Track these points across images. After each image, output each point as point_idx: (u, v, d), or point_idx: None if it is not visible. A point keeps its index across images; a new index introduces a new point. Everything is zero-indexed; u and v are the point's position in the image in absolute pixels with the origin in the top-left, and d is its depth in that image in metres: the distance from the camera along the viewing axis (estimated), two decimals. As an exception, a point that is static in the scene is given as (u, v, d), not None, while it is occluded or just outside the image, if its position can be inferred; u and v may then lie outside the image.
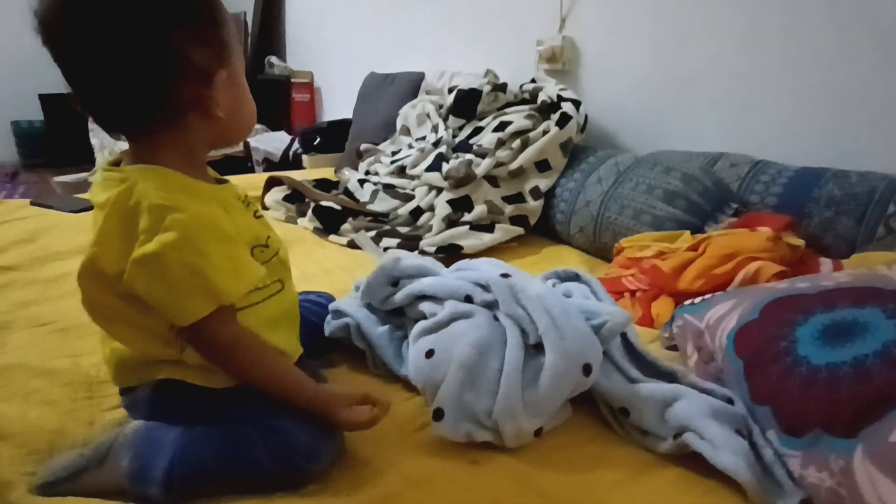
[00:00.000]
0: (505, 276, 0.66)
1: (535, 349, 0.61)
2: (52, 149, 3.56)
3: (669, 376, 0.65)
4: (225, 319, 0.54)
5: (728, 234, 0.99)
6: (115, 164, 0.57)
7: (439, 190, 1.34)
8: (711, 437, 0.56)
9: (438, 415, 0.57)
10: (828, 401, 0.54)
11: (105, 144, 2.83)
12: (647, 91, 1.41)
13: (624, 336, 0.68)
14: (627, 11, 1.42)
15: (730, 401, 0.61)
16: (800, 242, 0.94)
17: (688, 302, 0.84)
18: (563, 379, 0.57)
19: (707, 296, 0.82)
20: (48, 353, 0.77)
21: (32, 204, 1.49)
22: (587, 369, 0.58)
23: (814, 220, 0.98)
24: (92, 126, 3.02)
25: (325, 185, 1.61)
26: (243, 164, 2.55)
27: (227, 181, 0.62)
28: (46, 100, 3.51)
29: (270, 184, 1.54)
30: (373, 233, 1.26)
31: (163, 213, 0.49)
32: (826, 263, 0.91)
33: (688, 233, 1.05)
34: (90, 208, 1.45)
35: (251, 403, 0.56)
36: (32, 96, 3.51)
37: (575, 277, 0.78)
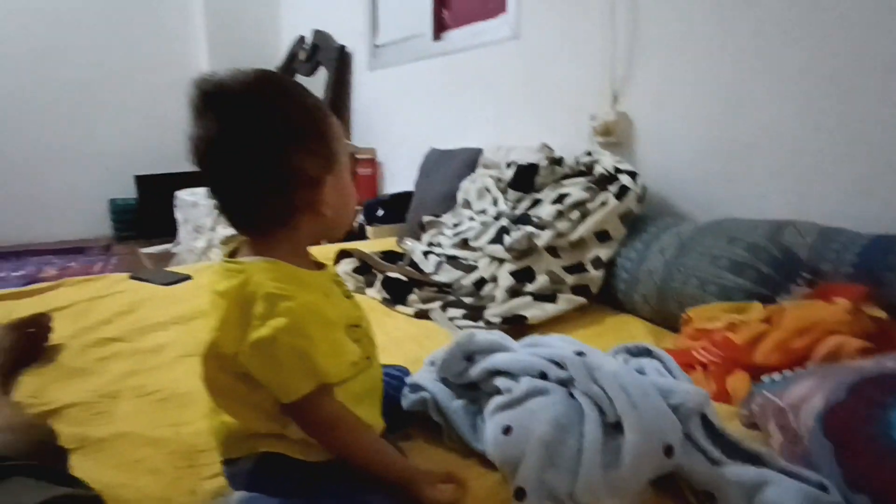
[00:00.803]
0: (579, 353, 0.68)
1: (613, 428, 0.62)
2: (142, 223, 3.93)
3: (755, 458, 0.64)
4: (325, 396, 0.59)
5: (803, 305, 0.97)
6: (232, 253, 0.65)
7: (501, 261, 1.38)
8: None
9: (520, 494, 0.58)
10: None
11: (189, 219, 3.09)
12: (705, 160, 1.44)
13: (703, 414, 0.67)
14: (679, 84, 1.48)
15: (822, 487, 0.59)
16: (881, 314, 0.91)
17: (766, 378, 0.83)
18: (645, 459, 0.57)
19: (787, 372, 0.80)
20: (152, 423, 0.84)
21: (131, 278, 1.65)
22: (668, 450, 0.58)
23: (894, 289, 0.95)
24: (177, 203, 3.33)
25: (390, 256, 1.69)
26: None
27: (324, 265, 0.69)
28: (140, 180, 3.91)
29: (341, 256, 1.64)
30: (438, 303, 1.31)
31: (275, 301, 0.56)
32: (914, 336, 0.87)
33: (759, 304, 1.03)
34: (181, 281, 1.60)
35: (345, 480, 0.60)
36: (129, 177, 3.92)
37: (646, 352, 0.78)
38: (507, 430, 0.66)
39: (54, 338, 1.14)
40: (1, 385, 0.88)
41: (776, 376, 0.82)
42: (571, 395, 0.66)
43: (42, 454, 0.56)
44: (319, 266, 0.69)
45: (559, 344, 0.73)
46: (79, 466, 0.68)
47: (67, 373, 1.01)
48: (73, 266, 3.33)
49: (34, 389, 0.94)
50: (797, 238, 1.12)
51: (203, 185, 0.62)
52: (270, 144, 0.57)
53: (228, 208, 0.61)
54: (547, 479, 0.59)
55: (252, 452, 0.62)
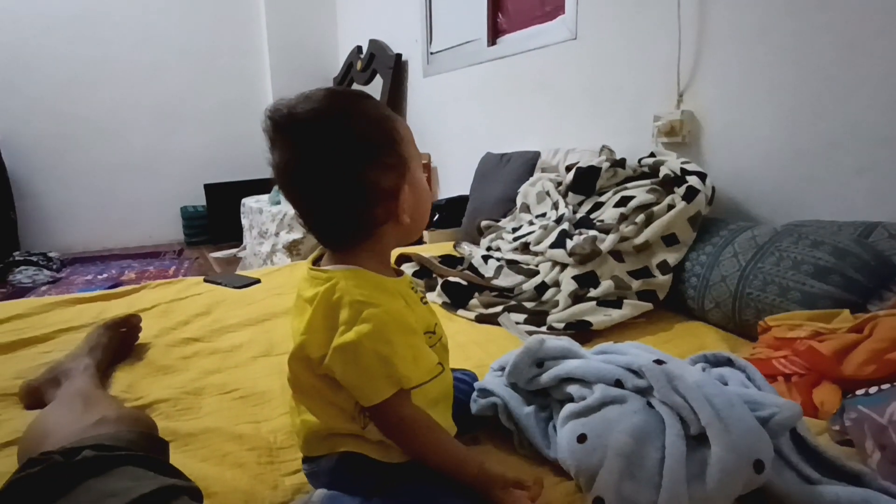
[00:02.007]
0: (658, 361, 0.66)
1: (696, 440, 0.59)
2: (210, 229, 4.16)
3: (854, 478, 0.60)
4: (403, 400, 0.60)
5: (899, 313, 0.90)
6: (316, 260, 0.68)
7: (564, 266, 1.37)
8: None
9: None
10: None
11: (254, 225, 3.24)
12: (780, 160, 1.36)
13: (793, 430, 0.64)
14: (749, 83, 1.41)
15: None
16: None
17: (860, 391, 0.77)
18: (733, 475, 0.55)
19: (885, 386, 0.74)
20: (234, 419, 0.88)
21: (205, 281, 1.74)
22: (759, 466, 0.55)
23: None
24: (243, 209, 3.49)
25: (448, 260, 1.70)
26: (368, 239, 2.78)
27: (403, 272, 0.71)
28: (209, 188, 4.14)
29: (400, 260, 1.67)
30: (499, 307, 1.31)
31: (361, 307, 0.58)
32: None
33: (847, 312, 0.96)
34: (251, 284, 1.68)
35: (423, 481, 0.61)
36: (199, 185, 4.17)
37: (727, 362, 0.75)
38: (581, 439, 0.65)
39: (141, 336, 1.22)
40: (99, 379, 0.95)
41: (872, 390, 0.76)
42: (650, 404, 0.64)
43: (148, 445, 0.60)
44: (399, 273, 0.70)
45: (635, 352, 0.71)
46: (173, 459, 0.72)
47: (155, 370, 1.08)
48: (150, 269, 3.56)
49: (126, 385, 1.01)
50: (889, 240, 1.04)
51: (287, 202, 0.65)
52: (344, 166, 0.59)
53: (314, 227, 0.64)
54: (626, 491, 0.58)
55: (332, 451, 0.64)
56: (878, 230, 1.08)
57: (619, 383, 0.68)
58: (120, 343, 1.13)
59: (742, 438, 0.56)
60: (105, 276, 3.45)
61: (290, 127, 0.60)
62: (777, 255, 1.11)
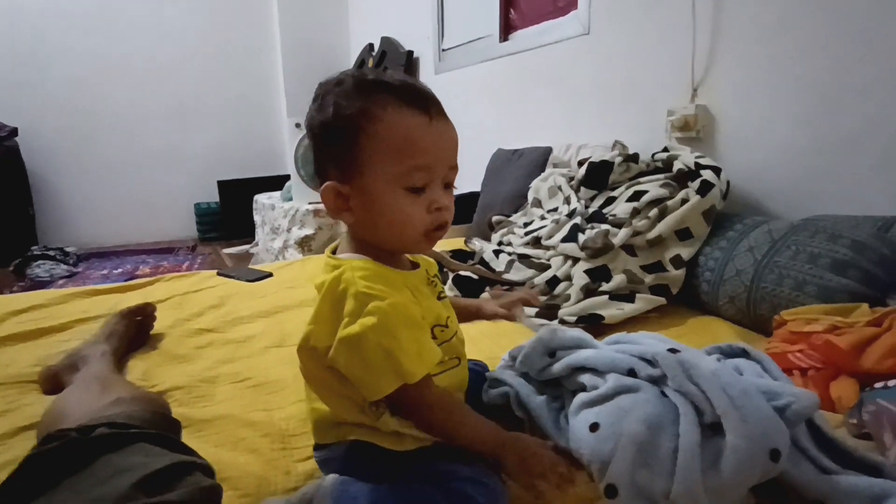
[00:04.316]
0: (673, 350, 0.65)
1: (710, 429, 0.59)
2: (224, 225, 4.20)
3: (872, 469, 0.59)
4: (426, 387, 0.61)
5: (919, 307, 0.88)
6: (335, 250, 0.68)
7: (576, 260, 1.36)
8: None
9: (611, 492, 0.57)
10: None
11: (266, 221, 3.26)
12: (796, 155, 1.34)
13: (810, 421, 0.63)
14: (767, 76, 1.39)
15: (955, 503, 0.54)
16: None
17: (878, 384, 0.76)
18: (749, 464, 0.54)
19: (904, 378, 0.73)
20: (248, 406, 0.89)
21: (218, 274, 1.76)
22: (775, 455, 0.54)
23: None
24: (255, 206, 3.52)
25: (460, 255, 1.70)
26: (379, 235, 2.79)
27: (419, 265, 0.71)
28: (222, 185, 4.18)
29: (412, 255, 1.68)
30: (510, 302, 1.31)
31: (366, 300, 0.57)
32: None
33: (865, 305, 0.95)
34: (264, 278, 1.69)
35: (432, 467, 0.61)
36: (212, 182, 4.21)
37: (742, 353, 0.74)
38: (593, 427, 0.64)
39: (156, 327, 1.24)
40: (116, 365, 0.96)
41: (891, 383, 0.75)
42: (664, 393, 0.64)
43: (162, 424, 0.61)
44: (415, 265, 0.70)
45: (648, 341, 0.70)
46: (187, 444, 0.73)
47: (170, 358, 1.10)
48: (164, 264, 3.61)
49: (142, 372, 1.03)
50: (909, 235, 1.03)
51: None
52: (311, 140, 0.64)
53: None
54: (639, 479, 0.57)
55: (343, 440, 0.65)
56: (898, 224, 1.06)
57: (632, 372, 0.67)
58: (136, 331, 1.15)
59: (758, 427, 0.55)
60: (120, 270, 3.50)
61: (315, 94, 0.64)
62: (793, 248, 1.10)
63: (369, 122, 0.59)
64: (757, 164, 1.44)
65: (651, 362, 0.66)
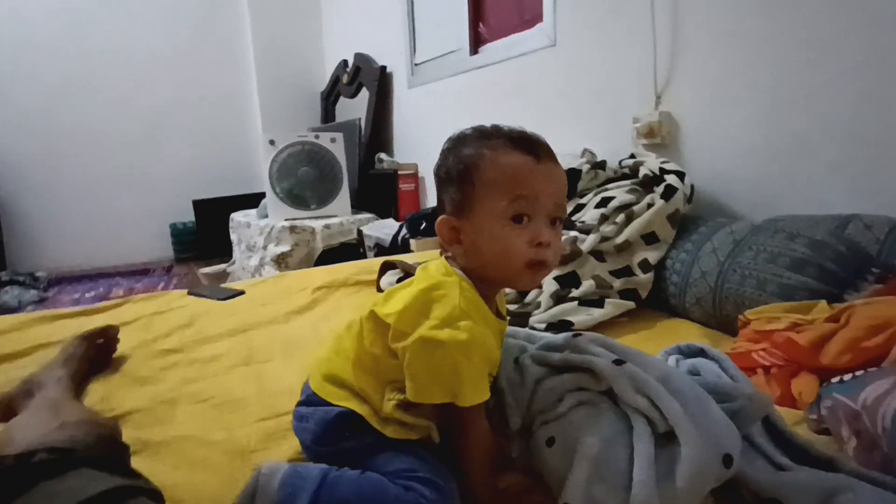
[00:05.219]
0: (619, 361, 0.64)
1: (664, 437, 0.58)
2: (200, 244, 4.14)
3: (826, 464, 0.59)
4: (478, 414, 0.64)
5: (874, 302, 0.90)
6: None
7: (545, 267, 1.36)
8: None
9: None
10: None
11: (242, 239, 3.23)
12: (756, 159, 1.37)
13: (766, 418, 0.63)
14: (724, 83, 1.43)
15: (905, 493, 0.54)
16: (968, 310, 0.83)
17: (835, 379, 0.77)
18: (703, 472, 0.53)
19: (859, 372, 0.74)
20: (209, 426, 0.87)
21: (189, 294, 1.73)
22: (728, 460, 0.54)
23: (982, 283, 0.87)
24: (232, 224, 3.48)
25: (433, 266, 1.70)
26: (357, 250, 2.77)
27: (505, 319, 0.74)
28: (198, 204, 4.13)
29: (385, 268, 1.67)
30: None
31: (461, 316, 0.61)
32: None
33: (824, 302, 0.97)
34: (235, 296, 1.67)
35: (394, 460, 0.63)
36: (187, 201, 4.15)
37: (700, 353, 0.75)
38: (550, 442, 0.64)
39: (120, 349, 1.21)
40: (73, 390, 0.93)
41: (847, 377, 0.76)
42: (617, 404, 0.63)
43: (107, 448, 0.59)
44: (501, 316, 0.73)
45: (596, 349, 0.69)
46: (141, 467, 0.70)
47: (131, 381, 1.07)
48: (138, 286, 3.54)
49: (101, 396, 0.99)
50: (864, 232, 1.05)
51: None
52: (436, 184, 0.71)
53: None
54: (596, 495, 0.56)
55: (337, 403, 0.67)
56: (854, 222, 1.08)
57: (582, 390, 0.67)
58: (96, 354, 1.11)
59: (710, 434, 0.55)
60: (93, 294, 3.42)
61: None
62: (754, 249, 1.12)
63: (482, 161, 0.65)
64: (719, 168, 1.47)
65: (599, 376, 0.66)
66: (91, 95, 3.99)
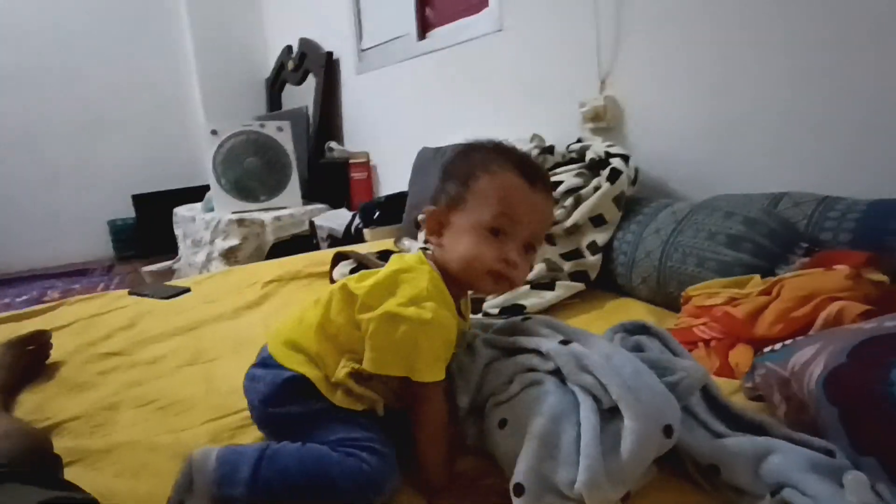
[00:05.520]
0: (565, 342, 0.66)
1: (609, 413, 0.60)
2: (142, 242, 3.94)
3: (759, 428, 0.62)
4: (435, 391, 0.66)
5: (802, 274, 0.96)
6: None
7: (498, 252, 1.37)
8: (814, 493, 0.53)
9: (518, 490, 0.57)
10: (940, 447, 0.51)
11: (188, 234, 3.10)
12: (696, 139, 1.43)
13: (704, 388, 0.66)
14: (665, 65, 1.47)
15: (829, 452, 0.58)
16: (883, 278, 0.89)
17: (768, 349, 0.82)
18: (645, 444, 0.56)
19: (788, 341, 0.79)
20: (153, 430, 0.84)
21: (130, 293, 1.65)
22: (668, 431, 0.57)
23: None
24: (175, 219, 3.33)
25: (387, 255, 1.68)
26: (309, 241, 2.71)
27: (467, 321, 0.79)
28: (138, 199, 3.93)
29: (337, 259, 1.64)
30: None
31: (427, 298, 0.65)
32: (918, 298, 0.86)
33: (758, 277, 1.02)
34: (180, 294, 1.60)
35: (341, 429, 0.65)
36: (126, 196, 3.94)
37: (643, 330, 0.77)
38: (502, 424, 0.65)
39: (55, 355, 1.14)
40: (2, 402, 0.87)
41: (777, 346, 0.80)
42: (565, 382, 0.65)
43: (36, 461, 0.56)
44: (463, 317, 0.77)
45: (545, 331, 0.71)
46: (80, 478, 0.67)
47: (68, 388, 1.01)
48: (76, 288, 3.34)
49: (35, 406, 0.94)
50: (794, 208, 1.11)
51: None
52: (440, 175, 0.76)
53: None
54: (546, 473, 0.57)
55: (291, 367, 0.69)
56: (785, 199, 1.14)
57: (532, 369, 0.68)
58: (28, 362, 1.05)
59: (651, 406, 0.57)
60: (25, 297, 3.21)
61: None
62: (694, 228, 1.16)
63: (484, 172, 0.70)
64: (662, 150, 1.51)
65: (547, 356, 0.67)
66: (18, 87, 3.71)
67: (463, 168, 0.72)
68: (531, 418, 0.60)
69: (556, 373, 0.65)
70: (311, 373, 0.68)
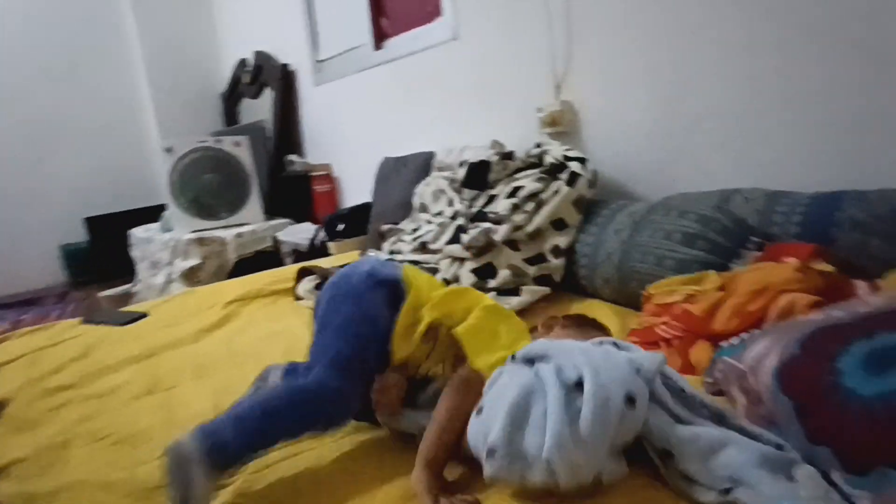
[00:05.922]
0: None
1: (577, 387, 0.63)
2: (97, 266, 3.77)
3: (718, 417, 0.64)
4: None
5: (755, 269, 0.99)
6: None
7: (462, 260, 1.38)
8: (767, 493, 0.54)
9: (490, 453, 0.61)
10: (887, 434, 0.53)
11: (145, 256, 2.99)
12: (651, 140, 1.46)
13: (665, 376, 0.68)
14: (619, 70, 1.50)
15: (780, 447, 0.60)
16: (829, 269, 0.93)
17: (725, 344, 0.84)
18: (606, 408, 0.59)
19: (744, 335, 0.81)
20: (106, 467, 0.80)
21: (83, 322, 1.58)
22: (630, 400, 0.60)
23: (841, 244, 0.98)
24: (131, 241, 3.21)
25: (352, 269, 1.66)
26: (274, 257, 2.65)
27: None
28: (91, 221, 3.76)
29: (302, 274, 1.61)
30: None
31: None
32: (862, 286, 0.89)
33: (713, 273, 1.04)
34: (137, 319, 1.54)
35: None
36: (78, 219, 3.77)
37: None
38: (479, 411, 0.67)
39: (0, 393, 1.07)
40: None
41: (735, 341, 0.83)
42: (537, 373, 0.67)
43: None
44: None
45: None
46: (25, 525, 0.63)
47: (14, 428, 0.96)
48: (26, 318, 3.18)
49: (-23, 451, 0.88)
50: (744, 204, 1.15)
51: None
52: None
53: None
54: (516, 440, 0.61)
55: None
56: (735, 196, 1.18)
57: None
58: (-32, 403, 0.98)
59: (611, 374, 0.61)
60: (-29, 331, 3.02)
61: None
62: (651, 227, 1.19)
63: None
64: (619, 151, 1.55)
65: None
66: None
67: None
68: (505, 394, 0.64)
69: (529, 363, 0.69)
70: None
